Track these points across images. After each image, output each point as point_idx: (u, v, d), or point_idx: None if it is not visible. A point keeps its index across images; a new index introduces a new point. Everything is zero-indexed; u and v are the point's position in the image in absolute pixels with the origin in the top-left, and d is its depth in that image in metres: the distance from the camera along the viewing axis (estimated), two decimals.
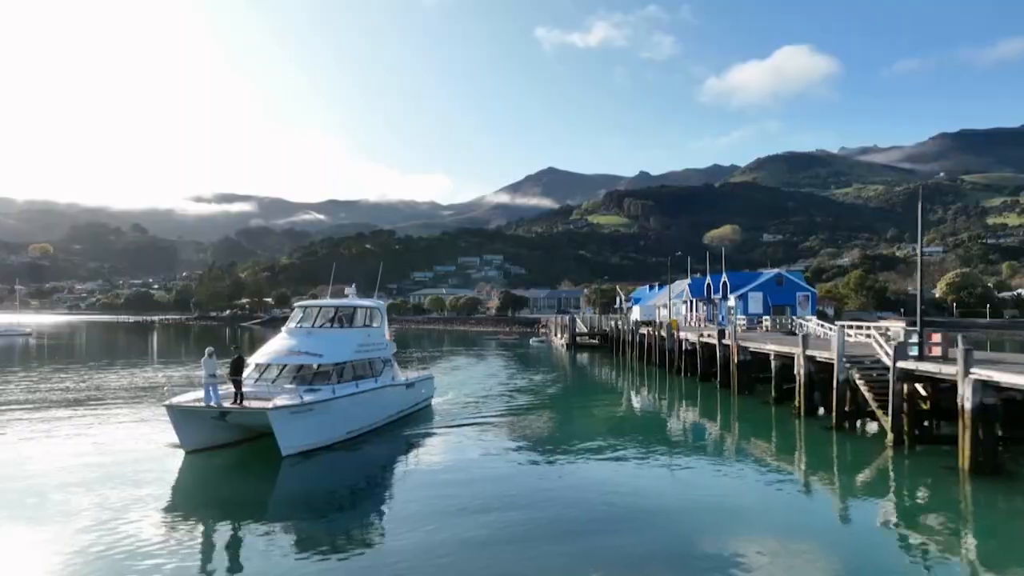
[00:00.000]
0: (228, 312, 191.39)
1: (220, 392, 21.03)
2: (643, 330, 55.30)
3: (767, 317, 44.34)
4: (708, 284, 59.88)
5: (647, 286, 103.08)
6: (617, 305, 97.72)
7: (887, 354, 22.77)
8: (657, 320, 54.16)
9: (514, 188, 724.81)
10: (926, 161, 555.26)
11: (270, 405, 19.81)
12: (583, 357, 63.41)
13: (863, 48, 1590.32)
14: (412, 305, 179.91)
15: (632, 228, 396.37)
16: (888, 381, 22.28)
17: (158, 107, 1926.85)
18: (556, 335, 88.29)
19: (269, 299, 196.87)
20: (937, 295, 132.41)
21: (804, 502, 17.29)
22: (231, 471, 19.86)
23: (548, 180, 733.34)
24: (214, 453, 20.86)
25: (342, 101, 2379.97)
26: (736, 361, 34.13)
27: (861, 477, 19.60)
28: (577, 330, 77.60)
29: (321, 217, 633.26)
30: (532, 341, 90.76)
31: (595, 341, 75.51)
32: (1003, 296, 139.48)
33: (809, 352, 27.21)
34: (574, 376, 47.61)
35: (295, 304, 27.54)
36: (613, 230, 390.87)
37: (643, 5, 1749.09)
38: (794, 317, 46.56)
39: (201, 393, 21.17)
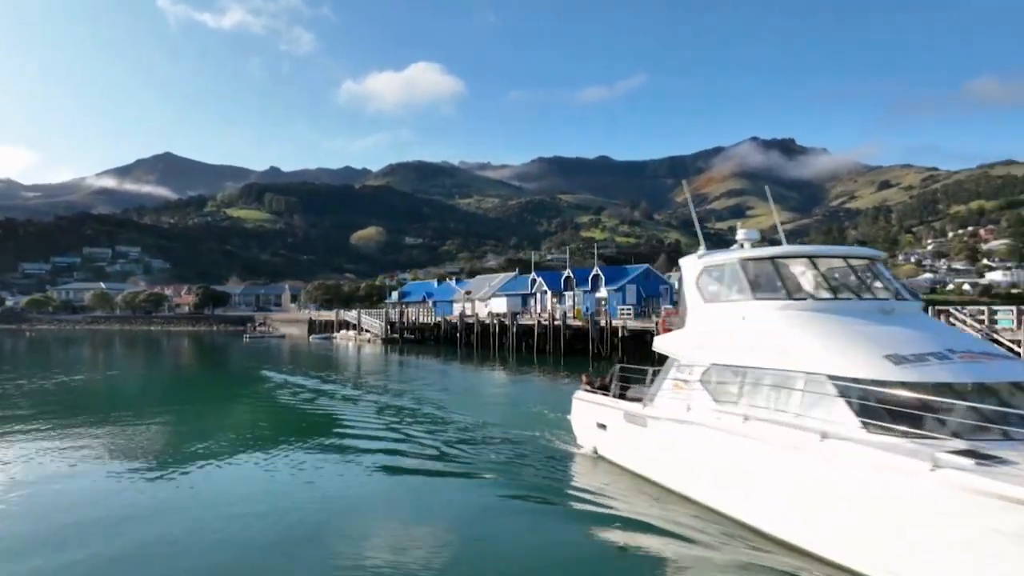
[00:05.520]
0: None
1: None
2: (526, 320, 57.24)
3: (667, 306, 50.11)
4: (569, 277, 64.01)
5: (435, 280, 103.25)
6: (394, 300, 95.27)
7: None
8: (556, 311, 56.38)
9: (123, 172, 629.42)
10: (530, 180, 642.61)
11: None
12: (442, 354, 61.76)
13: (485, 75, 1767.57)
14: (59, 303, 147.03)
15: (277, 224, 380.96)
16: None
17: None
18: (342, 331, 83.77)
19: None
20: None
21: None
22: None
23: (165, 166, 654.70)
24: None
25: None
26: None
27: None
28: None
29: None
30: (312, 339, 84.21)
31: (413, 336, 73.95)
32: None
33: None
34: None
35: (746, 257, 13.16)
36: (257, 225, 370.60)
37: None
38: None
39: None
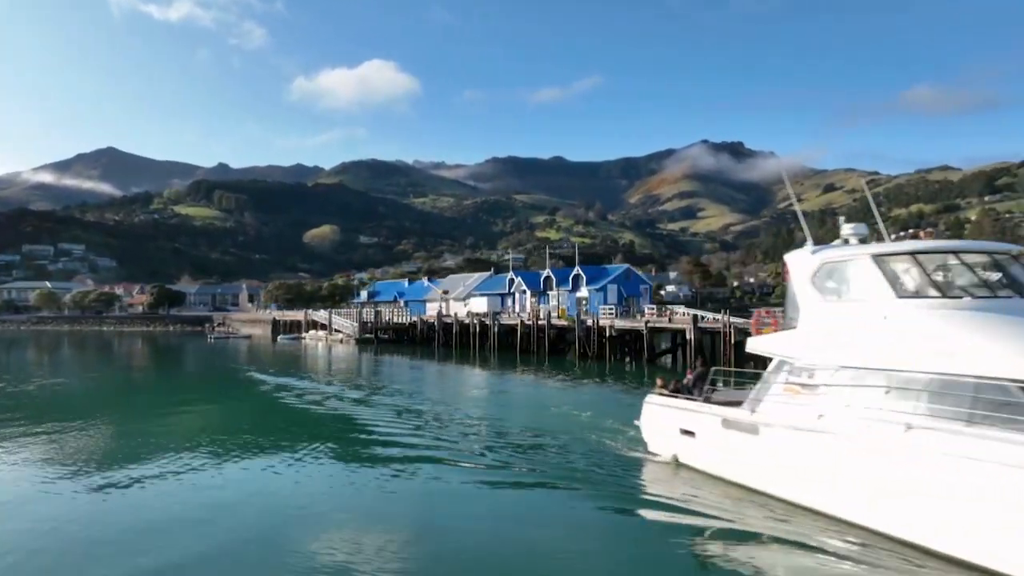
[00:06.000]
0: None
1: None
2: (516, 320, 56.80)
3: (651, 306, 50.37)
4: (549, 277, 63.66)
5: (405, 280, 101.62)
6: (363, 299, 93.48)
7: None
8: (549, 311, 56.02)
9: (62, 167, 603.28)
10: (484, 180, 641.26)
11: None
12: (420, 354, 60.68)
13: (440, 73, 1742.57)
14: (1, 303, 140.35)
15: (228, 222, 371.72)
16: None
17: None
18: (311, 331, 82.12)
19: None
20: None
21: None
22: None
23: (108, 162, 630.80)
24: None
25: None
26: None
27: None
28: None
29: None
30: (280, 339, 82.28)
31: (387, 336, 72.86)
32: None
33: None
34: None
35: (881, 252, 12.15)
36: (207, 223, 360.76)
37: None
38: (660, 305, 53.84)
39: None
